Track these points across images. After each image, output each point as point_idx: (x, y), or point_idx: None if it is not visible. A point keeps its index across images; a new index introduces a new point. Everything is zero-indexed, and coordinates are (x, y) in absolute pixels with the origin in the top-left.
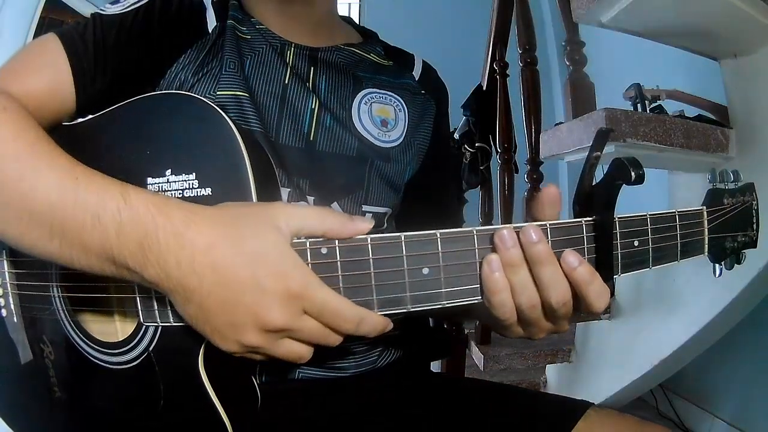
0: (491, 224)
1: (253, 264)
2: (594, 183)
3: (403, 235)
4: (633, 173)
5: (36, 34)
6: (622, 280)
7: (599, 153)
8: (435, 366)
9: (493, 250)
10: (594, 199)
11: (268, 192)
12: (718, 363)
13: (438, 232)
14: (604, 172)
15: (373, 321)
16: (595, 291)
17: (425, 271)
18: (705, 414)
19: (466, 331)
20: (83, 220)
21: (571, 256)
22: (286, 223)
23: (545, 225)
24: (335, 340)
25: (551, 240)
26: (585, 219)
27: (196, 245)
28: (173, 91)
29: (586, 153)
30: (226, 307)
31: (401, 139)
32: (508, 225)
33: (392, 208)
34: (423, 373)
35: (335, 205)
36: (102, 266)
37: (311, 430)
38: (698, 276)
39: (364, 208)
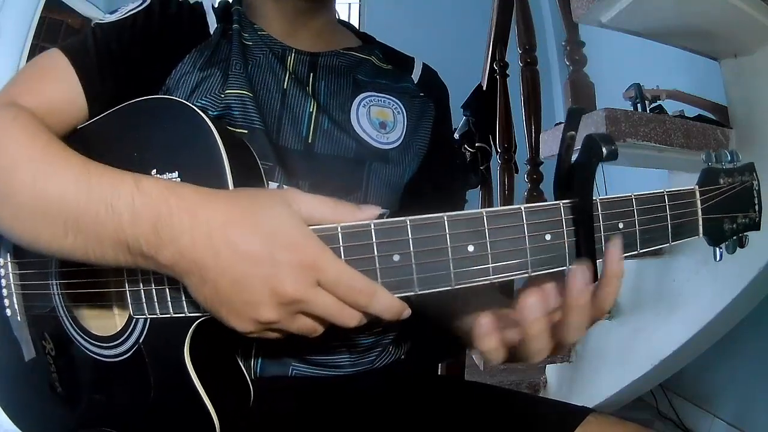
0: None
1: (267, 238)
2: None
3: (372, 222)
4: (605, 149)
5: (36, 34)
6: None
7: (574, 132)
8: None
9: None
10: (572, 179)
11: (249, 186)
12: (718, 363)
13: (408, 218)
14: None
15: (388, 298)
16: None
17: (396, 257)
18: (705, 414)
19: None
20: (97, 211)
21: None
22: (298, 206)
23: (519, 209)
24: (350, 315)
25: (527, 224)
26: (563, 201)
27: (211, 223)
28: (156, 96)
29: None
30: (242, 283)
31: (400, 141)
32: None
33: (391, 209)
34: (422, 374)
35: None
36: (116, 256)
37: (304, 427)
38: (698, 276)
39: None
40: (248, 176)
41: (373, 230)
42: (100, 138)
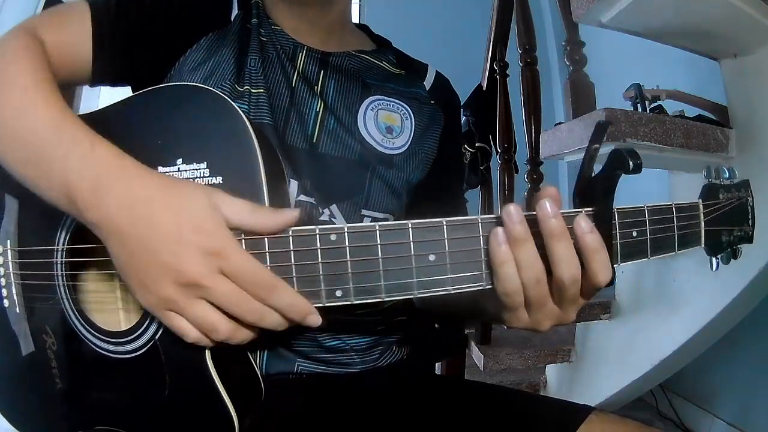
0: None
1: (180, 217)
2: (593, 175)
3: (410, 222)
4: (631, 163)
5: None
6: (622, 279)
7: (598, 145)
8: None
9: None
10: (593, 189)
11: (276, 182)
12: (718, 363)
13: (444, 219)
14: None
15: (290, 295)
16: (602, 261)
17: (431, 257)
18: (705, 414)
19: (466, 331)
20: (54, 156)
21: (583, 221)
22: (218, 201)
23: None
24: (249, 309)
25: None
26: (585, 209)
27: (137, 196)
28: (184, 83)
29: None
30: (150, 255)
31: (406, 147)
32: (515, 203)
33: (392, 214)
34: (425, 374)
35: (334, 207)
36: (58, 198)
37: (309, 422)
38: (698, 276)
39: (364, 212)
40: (275, 172)
41: (410, 230)
42: (125, 121)
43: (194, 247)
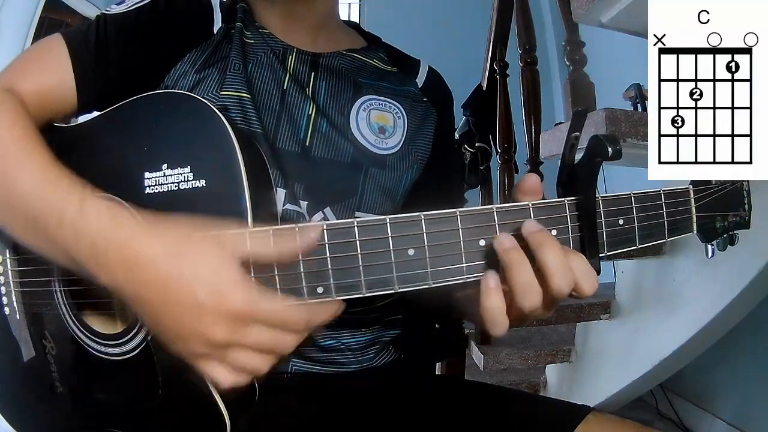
0: None
1: (191, 280)
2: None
3: (388, 217)
4: (610, 149)
5: (36, 34)
6: (622, 279)
7: (578, 133)
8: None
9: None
10: (576, 178)
11: (260, 185)
12: (718, 363)
13: (422, 213)
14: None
15: (323, 312)
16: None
17: (411, 252)
18: (705, 414)
19: (466, 331)
20: (48, 221)
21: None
22: (233, 247)
23: (527, 205)
24: (288, 342)
25: (534, 220)
26: (568, 198)
27: (139, 261)
28: (169, 91)
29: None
30: (173, 320)
31: (399, 147)
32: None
33: (387, 215)
34: (423, 374)
35: (328, 210)
36: (67, 263)
37: (304, 422)
38: (698, 276)
39: (358, 214)
40: (259, 174)
41: (389, 225)
42: (111, 129)
43: (216, 313)
